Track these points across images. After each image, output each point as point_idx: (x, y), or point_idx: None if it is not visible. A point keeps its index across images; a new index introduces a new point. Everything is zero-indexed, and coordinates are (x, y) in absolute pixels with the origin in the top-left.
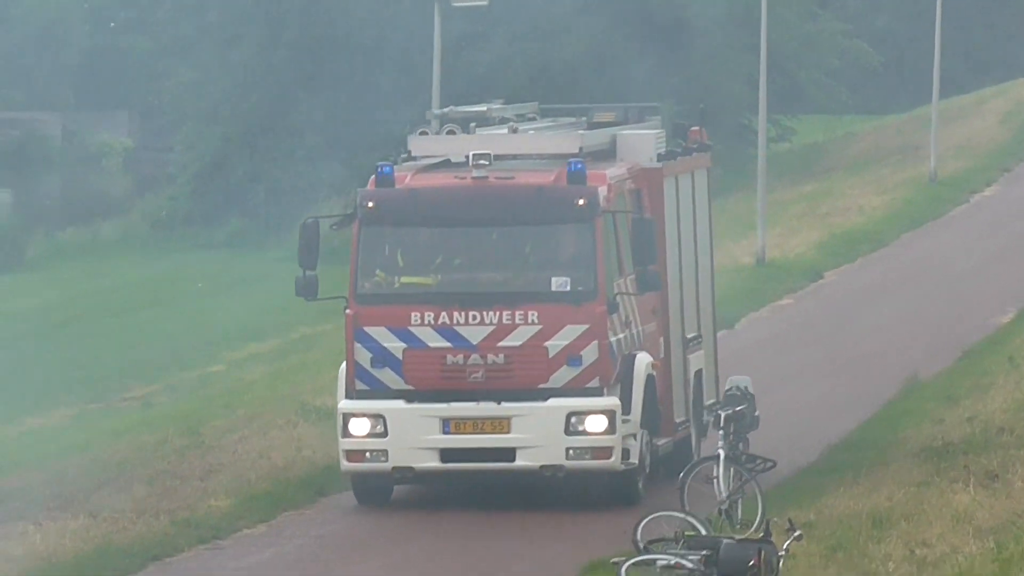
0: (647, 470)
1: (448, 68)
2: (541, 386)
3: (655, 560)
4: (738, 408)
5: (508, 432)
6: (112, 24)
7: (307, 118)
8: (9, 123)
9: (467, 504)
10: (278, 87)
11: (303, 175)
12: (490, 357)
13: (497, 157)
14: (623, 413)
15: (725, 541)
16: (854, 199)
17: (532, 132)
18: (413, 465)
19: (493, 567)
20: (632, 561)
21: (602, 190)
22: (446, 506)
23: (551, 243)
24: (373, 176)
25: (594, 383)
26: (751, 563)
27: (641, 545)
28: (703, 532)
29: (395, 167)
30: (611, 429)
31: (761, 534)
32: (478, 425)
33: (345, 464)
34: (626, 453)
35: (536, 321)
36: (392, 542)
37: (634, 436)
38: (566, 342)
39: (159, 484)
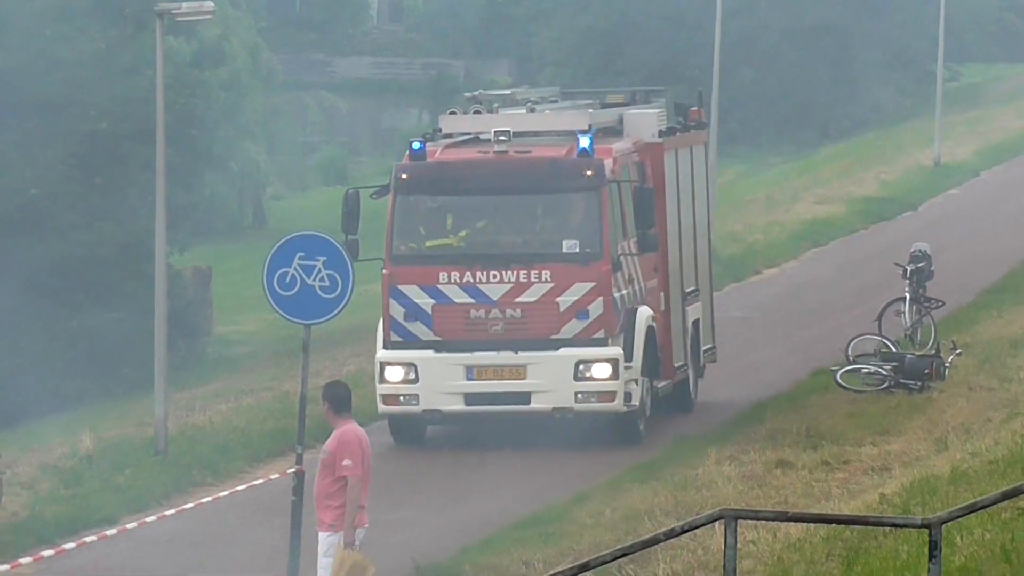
0: (647, 412)
1: None
2: (553, 337)
3: (860, 368)
4: (919, 264)
5: (524, 378)
6: None
7: None
8: None
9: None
10: None
11: None
12: (508, 311)
13: (518, 134)
14: (626, 361)
15: (908, 356)
16: (1003, 121)
17: (548, 112)
18: (441, 408)
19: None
20: (845, 369)
21: (608, 162)
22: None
23: (562, 209)
24: (407, 151)
25: (600, 334)
26: (926, 371)
27: (851, 358)
28: (893, 350)
29: (427, 143)
30: (615, 375)
31: (933, 351)
32: (498, 372)
33: (382, 407)
34: (628, 396)
35: (549, 279)
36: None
37: (635, 381)
38: (575, 298)
39: None
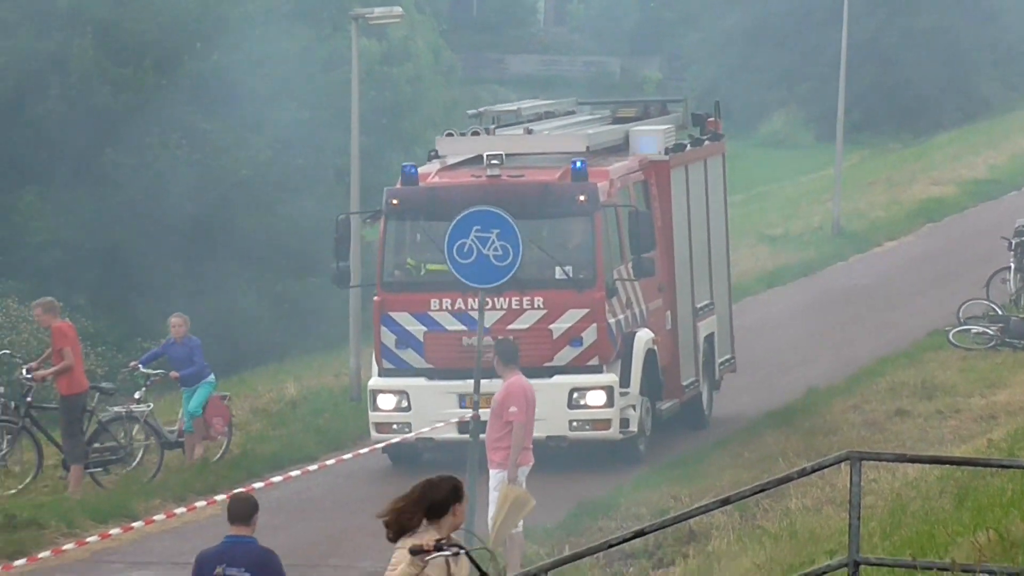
0: (647, 433)
1: None
2: (546, 364)
3: (970, 329)
4: (1023, 238)
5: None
6: None
7: None
8: None
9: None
10: None
11: None
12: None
13: (515, 156)
14: (622, 387)
15: (1013, 318)
16: None
17: (546, 132)
18: (433, 436)
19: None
20: (956, 329)
21: (602, 186)
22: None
23: (555, 235)
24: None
25: (594, 361)
26: None
27: (962, 320)
28: (999, 312)
29: (431, 162)
30: (610, 403)
31: None
32: (490, 400)
33: (375, 434)
34: (625, 422)
35: (542, 306)
36: None
37: (633, 407)
38: (568, 325)
39: None
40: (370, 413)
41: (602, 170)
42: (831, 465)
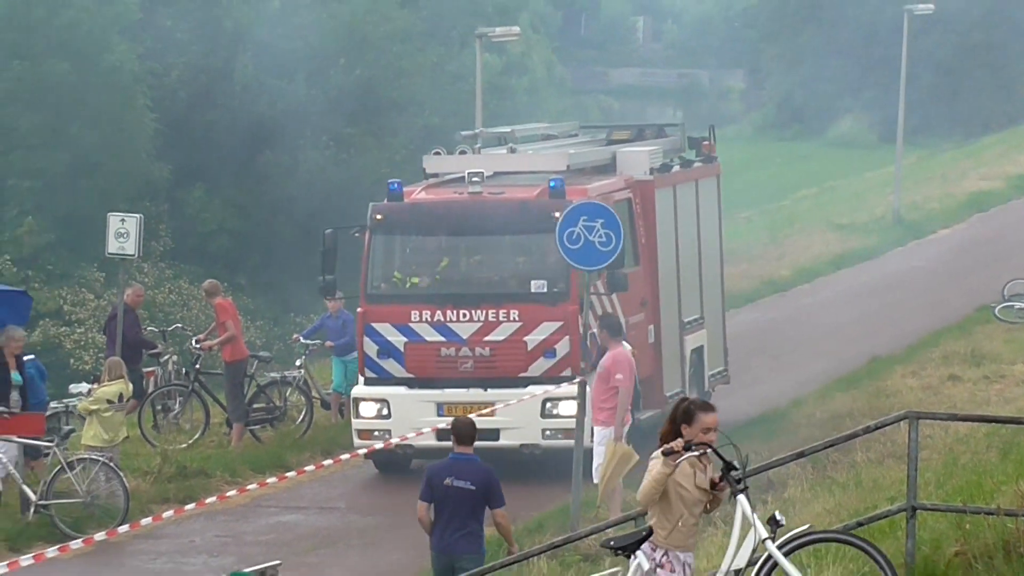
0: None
1: None
2: (521, 375)
3: (1013, 305)
4: None
5: (493, 415)
6: None
7: None
8: None
9: None
10: None
11: None
12: (478, 350)
13: (500, 175)
14: None
15: None
16: None
17: (530, 152)
18: (412, 443)
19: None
20: (1001, 305)
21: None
22: None
23: (531, 250)
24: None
25: (567, 372)
26: None
27: (1006, 297)
28: None
29: (425, 179)
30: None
31: None
32: (467, 409)
33: (357, 440)
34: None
35: (517, 319)
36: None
37: None
38: (542, 337)
39: None
40: (352, 420)
41: (581, 188)
42: (892, 423)
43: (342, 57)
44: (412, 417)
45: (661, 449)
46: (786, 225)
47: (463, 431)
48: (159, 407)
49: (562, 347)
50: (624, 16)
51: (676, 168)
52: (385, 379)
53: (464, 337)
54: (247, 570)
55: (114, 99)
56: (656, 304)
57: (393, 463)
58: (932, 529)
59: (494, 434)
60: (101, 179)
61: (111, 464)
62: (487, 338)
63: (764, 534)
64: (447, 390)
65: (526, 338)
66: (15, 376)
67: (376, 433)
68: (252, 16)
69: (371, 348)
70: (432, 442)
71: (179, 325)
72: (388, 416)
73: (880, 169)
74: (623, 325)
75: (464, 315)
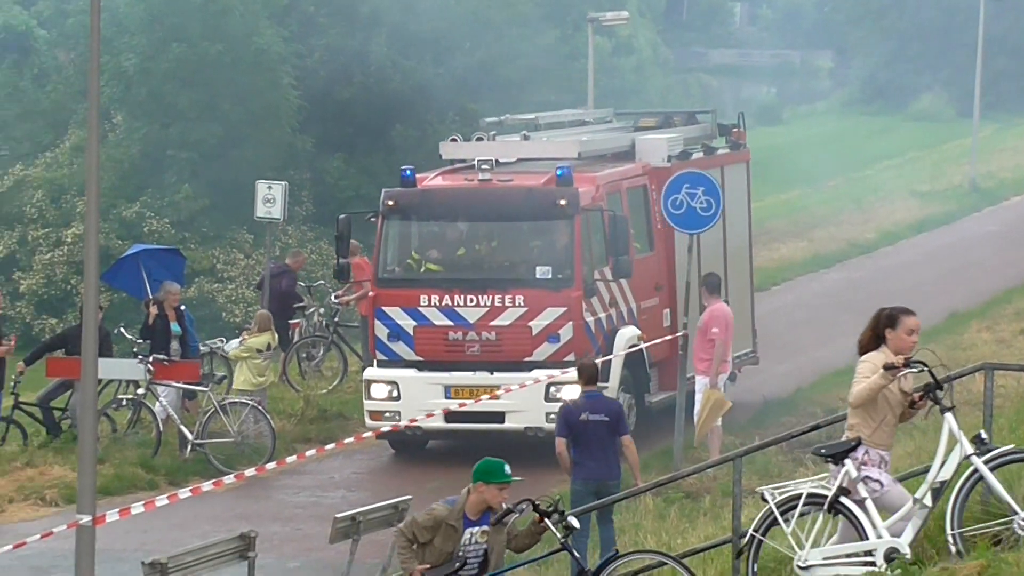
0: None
1: None
2: (526, 359)
3: None
4: None
5: (498, 398)
6: None
7: None
8: None
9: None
10: None
11: None
12: (484, 334)
13: (512, 162)
14: (601, 381)
15: None
16: None
17: (544, 139)
18: (421, 424)
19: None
20: None
21: (585, 191)
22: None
23: (538, 237)
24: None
25: (570, 357)
26: None
27: None
28: None
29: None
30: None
31: None
32: (474, 392)
33: (368, 422)
34: None
35: (522, 304)
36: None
37: None
38: (547, 322)
39: None
40: (364, 401)
41: (590, 175)
42: (969, 373)
43: (467, 41)
44: (421, 399)
45: (883, 364)
46: (870, 192)
47: (588, 371)
48: (303, 355)
49: (566, 332)
50: (723, 1)
51: (698, 155)
52: (395, 361)
53: (471, 321)
54: (380, 504)
55: (262, 78)
56: (671, 288)
57: (407, 442)
58: (1005, 472)
59: (500, 417)
60: (250, 150)
61: (259, 407)
62: (493, 323)
63: (970, 450)
64: (454, 373)
65: (531, 323)
66: (174, 327)
67: (386, 414)
68: (386, 2)
69: (382, 331)
70: (440, 424)
71: (323, 282)
72: (398, 398)
73: (957, 141)
74: (721, 283)
75: (471, 300)
